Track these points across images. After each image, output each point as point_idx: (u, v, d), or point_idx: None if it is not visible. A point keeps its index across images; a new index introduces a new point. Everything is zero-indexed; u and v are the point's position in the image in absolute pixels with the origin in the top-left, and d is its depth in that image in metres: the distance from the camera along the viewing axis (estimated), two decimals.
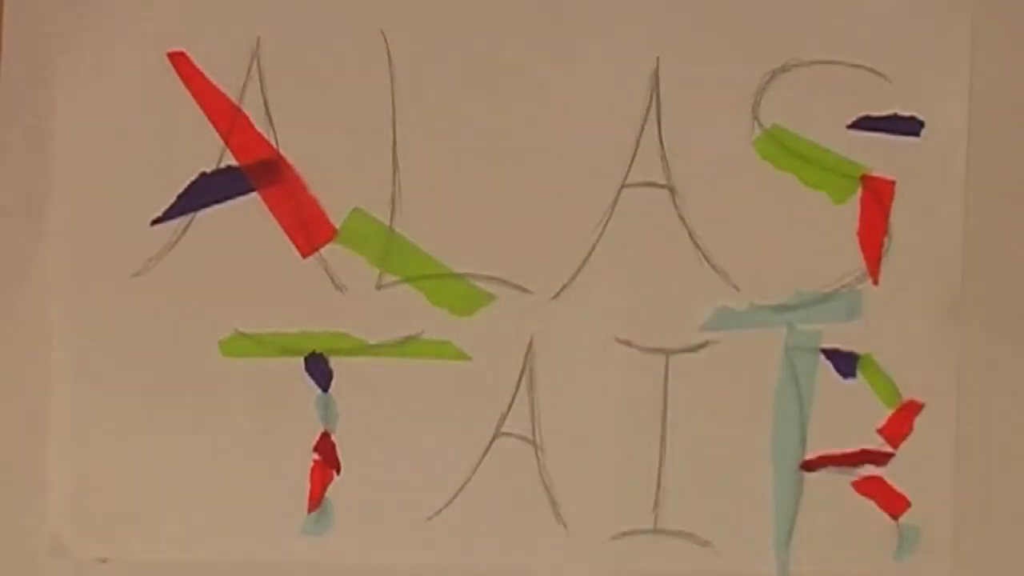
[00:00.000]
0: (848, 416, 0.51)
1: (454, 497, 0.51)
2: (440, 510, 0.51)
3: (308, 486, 0.51)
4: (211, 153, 0.51)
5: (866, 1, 0.51)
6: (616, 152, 0.51)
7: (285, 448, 0.51)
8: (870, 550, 0.51)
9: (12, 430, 0.51)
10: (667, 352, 0.51)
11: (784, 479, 0.51)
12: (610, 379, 0.51)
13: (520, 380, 0.51)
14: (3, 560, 0.51)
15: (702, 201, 0.51)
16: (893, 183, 0.51)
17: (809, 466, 0.51)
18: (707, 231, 0.51)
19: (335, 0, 0.51)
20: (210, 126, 0.51)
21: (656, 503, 0.51)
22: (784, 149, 0.51)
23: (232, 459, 0.51)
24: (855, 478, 0.51)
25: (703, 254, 0.51)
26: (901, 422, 0.51)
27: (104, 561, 0.51)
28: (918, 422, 0.51)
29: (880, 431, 0.51)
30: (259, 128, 0.51)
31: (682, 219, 0.51)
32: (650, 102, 0.51)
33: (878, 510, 0.51)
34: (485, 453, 0.51)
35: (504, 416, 0.51)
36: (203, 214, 0.51)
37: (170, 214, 0.51)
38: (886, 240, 0.51)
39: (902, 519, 0.51)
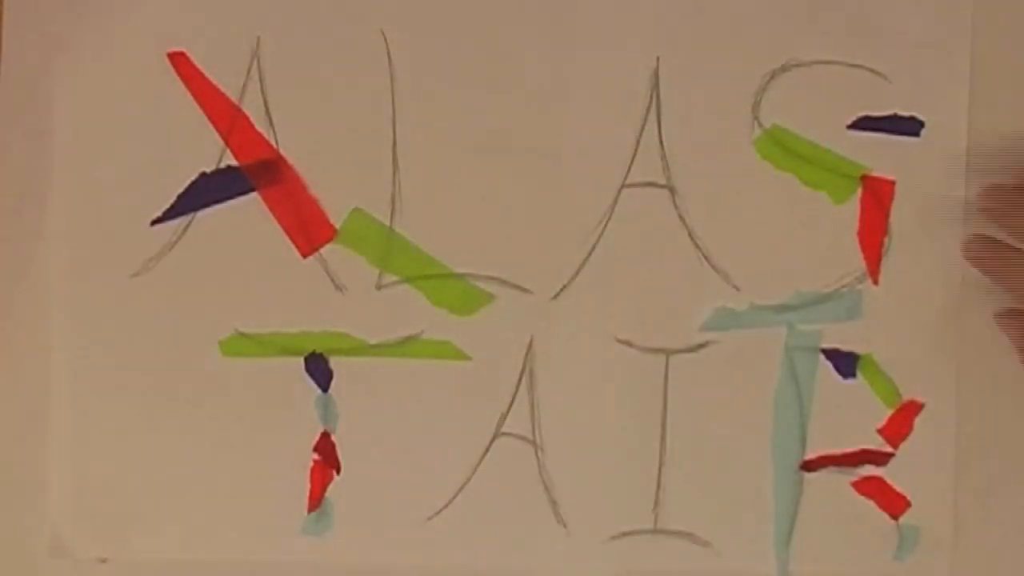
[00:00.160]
0: (848, 416, 0.51)
1: (454, 497, 0.51)
2: (440, 510, 0.51)
3: (308, 486, 0.51)
4: (211, 153, 0.51)
5: (866, 1, 0.51)
6: (616, 152, 0.51)
7: (285, 448, 0.51)
8: (870, 550, 0.51)
9: (12, 430, 0.51)
10: (667, 352, 0.51)
11: (784, 479, 0.51)
12: (610, 379, 0.51)
13: (520, 380, 0.51)
14: (3, 560, 0.51)
15: (702, 201, 0.51)
16: (893, 183, 0.51)
17: (809, 466, 0.51)
18: (707, 231, 0.51)
19: (335, 0, 0.51)
20: (210, 126, 0.51)
21: (656, 503, 0.51)
22: (784, 149, 0.51)
23: (232, 459, 0.51)
24: (855, 478, 0.51)
25: (703, 254, 0.51)
26: (901, 422, 0.51)
27: (104, 561, 0.51)
28: (918, 422, 0.51)
29: (880, 431, 0.51)
30: (259, 128, 0.51)
31: (682, 219, 0.51)
32: (650, 102, 0.51)
33: (878, 510, 0.51)
34: (485, 453, 0.51)
35: (504, 416, 0.51)
36: (203, 214, 0.51)
37: (170, 214, 0.51)
38: (886, 240, 0.51)
39: (902, 519, 0.51)
